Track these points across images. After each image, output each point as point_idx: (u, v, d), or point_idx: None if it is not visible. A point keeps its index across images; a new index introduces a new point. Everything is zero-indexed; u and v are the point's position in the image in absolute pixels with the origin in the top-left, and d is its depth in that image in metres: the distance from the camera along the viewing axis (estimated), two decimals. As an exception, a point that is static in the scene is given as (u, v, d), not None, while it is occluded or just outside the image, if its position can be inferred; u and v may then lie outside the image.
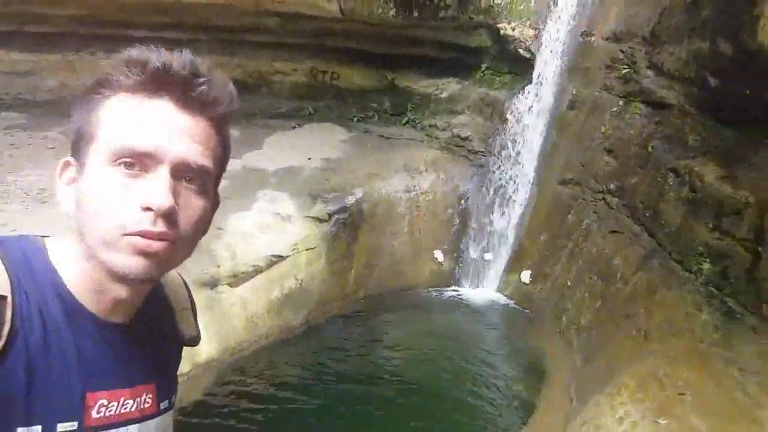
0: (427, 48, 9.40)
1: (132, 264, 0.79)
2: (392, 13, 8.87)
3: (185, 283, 1.10)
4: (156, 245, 0.79)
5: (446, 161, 8.16)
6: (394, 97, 9.73)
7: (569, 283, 5.92)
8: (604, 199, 6.44)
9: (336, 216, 6.35)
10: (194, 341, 1.08)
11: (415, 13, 8.86)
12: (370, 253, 6.65)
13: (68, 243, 0.86)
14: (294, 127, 9.28)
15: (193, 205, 0.83)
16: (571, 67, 7.60)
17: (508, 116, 7.95)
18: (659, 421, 3.13)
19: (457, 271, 7.10)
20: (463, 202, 7.65)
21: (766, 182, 4.35)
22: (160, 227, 0.79)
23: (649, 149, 5.95)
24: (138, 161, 0.79)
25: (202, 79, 0.82)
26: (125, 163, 0.79)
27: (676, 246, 4.95)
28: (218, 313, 4.71)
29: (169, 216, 0.79)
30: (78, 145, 0.84)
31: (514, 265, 6.88)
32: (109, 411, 0.86)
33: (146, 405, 0.92)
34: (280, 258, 5.40)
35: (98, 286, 0.83)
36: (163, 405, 0.96)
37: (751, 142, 4.96)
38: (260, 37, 9.73)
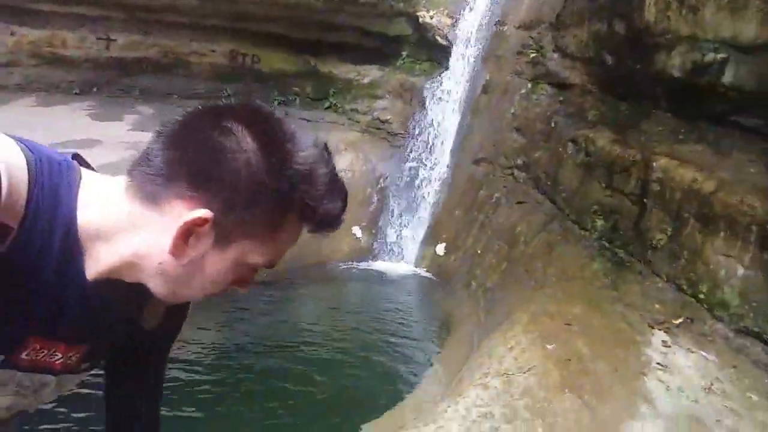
0: (349, 35, 9.47)
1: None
2: (313, -3, 8.89)
3: None
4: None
5: (365, 142, 8.25)
6: (316, 82, 9.73)
7: (479, 251, 6.11)
8: (512, 174, 6.71)
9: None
10: (150, 335, 1.05)
11: (336, -1, 8.90)
12: (285, 227, 6.57)
13: (107, 188, 0.83)
14: (212, 108, 9.06)
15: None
16: (486, 54, 7.90)
17: (426, 101, 8.14)
18: (547, 346, 3.27)
19: (375, 246, 7.15)
20: (381, 181, 7.74)
21: (651, 144, 4.69)
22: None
23: (552, 125, 6.27)
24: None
25: (341, 220, 0.86)
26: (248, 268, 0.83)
27: (573, 208, 5.22)
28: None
29: None
30: (232, 223, 0.79)
31: (430, 240, 7.02)
32: (37, 356, 0.85)
33: (70, 362, 0.91)
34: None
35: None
36: (84, 366, 0.95)
37: (642, 113, 5.35)
38: (178, 18, 9.46)
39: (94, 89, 9.30)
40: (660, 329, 3.54)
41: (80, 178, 0.82)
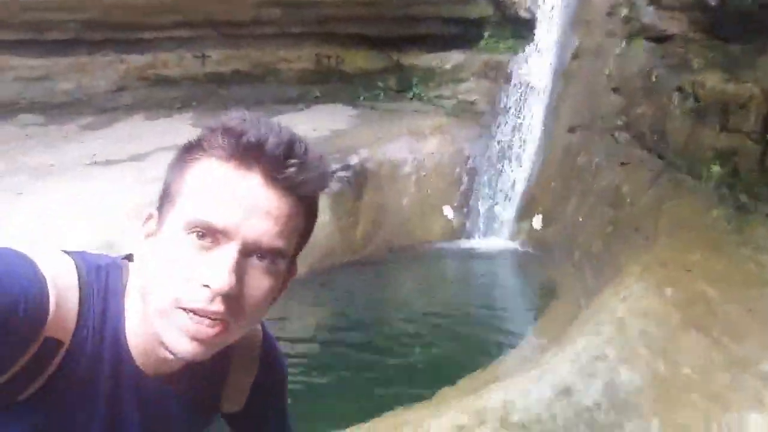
0: (429, 25, 9.38)
1: (180, 345, 0.75)
2: (390, -13, 8.90)
3: (266, 336, 0.99)
4: (207, 331, 0.74)
5: (452, 126, 8.09)
6: (400, 75, 9.73)
7: (580, 219, 5.74)
8: (612, 136, 6.27)
9: (339, 173, 6.32)
10: (234, 419, 0.98)
11: (414, -14, 8.86)
12: (377, 211, 6.58)
13: None
14: (301, 109, 9.36)
15: (259, 283, 0.77)
16: (573, 21, 7.51)
17: (512, 76, 7.87)
18: (665, 291, 2.96)
19: (467, 225, 6.96)
20: (470, 161, 7.54)
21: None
22: (217, 306, 0.74)
23: (653, 79, 5.79)
24: (210, 234, 0.75)
25: (293, 161, 0.77)
26: (198, 233, 0.75)
27: (685, 159, 4.76)
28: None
29: (229, 296, 0.74)
30: (162, 202, 0.81)
31: (525, 214, 6.72)
32: None
33: None
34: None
35: (149, 345, 0.80)
36: None
37: (756, 50, 4.78)
38: (264, 30, 9.88)
39: (194, 103, 9.91)
40: (799, 270, 3.09)
41: (128, 276, 0.82)
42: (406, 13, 9.18)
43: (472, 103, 8.39)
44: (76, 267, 0.77)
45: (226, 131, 0.78)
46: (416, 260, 6.13)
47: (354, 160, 6.66)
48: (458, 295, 5.16)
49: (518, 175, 7.15)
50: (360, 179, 6.59)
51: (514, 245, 6.46)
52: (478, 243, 6.65)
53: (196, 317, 0.73)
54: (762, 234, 3.49)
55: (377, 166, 6.83)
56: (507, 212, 6.91)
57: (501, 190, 7.20)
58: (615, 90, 6.49)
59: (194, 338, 0.73)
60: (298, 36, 9.91)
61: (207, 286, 0.73)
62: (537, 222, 6.43)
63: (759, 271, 3.10)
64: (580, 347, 2.61)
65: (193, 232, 0.75)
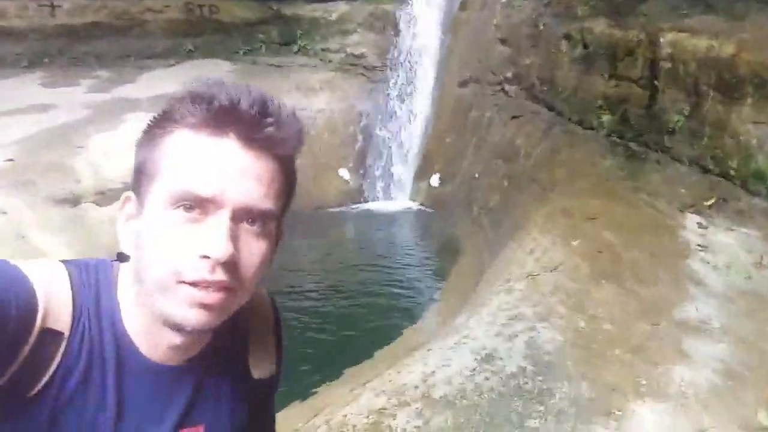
0: (311, -29, 8.80)
1: (189, 316, 0.74)
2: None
3: (273, 303, 0.98)
4: (213, 296, 0.73)
5: (342, 80, 7.71)
6: (282, 26, 9.09)
7: (476, 175, 5.70)
8: (502, 89, 6.25)
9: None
10: (269, 382, 0.96)
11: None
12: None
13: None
14: (173, 65, 8.47)
15: (254, 248, 0.77)
16: (459, -28, 7.34)
17: (401, 27, 7.60)
18: (571, 242, 2.89)
19: (364, 187, 6.72)
20: (363, 118, 7.25)
21: (654, 23, 4.23)
22: (219, 276, 0.73)
23: (541, 27, 5.78)
24: (198, 205, 0.73)
25: (269, 119, 0.75)
26: (185, 206, 0.73)
27: (575, 108, 4.80)
28: (82, 233, 4.05)
29: (228, 264, 0.73)
30: (139, 181, 0.78)
31: (423, 173, 6.60)
32: None
33: None
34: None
35: (152, 330, 0.79)
36: None
37: (638, -1, 4.87)
38: (125, -25, 8.75)
39: (45, 60, 8.61)
40: (691, 212, 3.17)
41: (118, 273, 0.83)
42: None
43: (361, 56, 8.04)
44: (65, 266, 0.79)
45: (195, 98, 0.76)
46: (313, 227, 5.79)
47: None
48: (360, 258, 4.92)
49: (413, 132, 6.99)
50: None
51: (413, 206, 6.33)
52: (377, 205, 6.45)
53: (200, 290, 0.73)
54: (656, 180, 3.57)
55: (263, 126, 6.33)
56: (404, 172, 6.76)
57: (396, 149, 7.01)
58: (503, 41, 6.44)
59: (201, 305, 0.74)
60: (164, -16, 8.90)
61: (206, 256, 0.72)
62: (435, 180, 6.33)
63: (657, 215, 3.15)
64: (495, 307, 2.47)
65: (180, 206, 0.73)
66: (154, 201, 0.75)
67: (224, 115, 0.74)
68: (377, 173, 6.86)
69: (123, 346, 0.79)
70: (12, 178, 4.15)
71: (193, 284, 0.72)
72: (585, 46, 4.74)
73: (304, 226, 5.73)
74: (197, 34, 9.00)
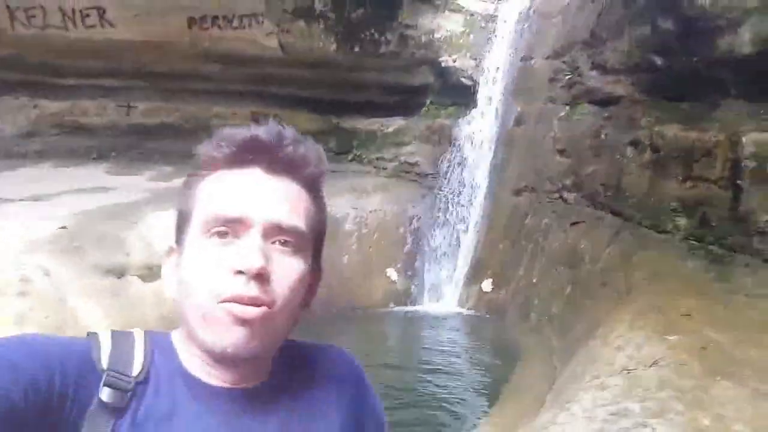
0: (372, 92, 9.19)
1: (229, 337, 0.76)
2: (333, 47, 8.74)
3: (356, 363, 1.01)
4: (251, 312, 0.75)
5: (394, 186, 7.76)
6: (340, 137, 9.41)
7: (534, 281, 5.37)
8: (560, 196, 6.09)
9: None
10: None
11: (356, 48, 8.75)
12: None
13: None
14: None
15: (287, 266, 0.80)
16: (515, 89, 7.58)
17: (456, 140, 7.76)
18: (667, 337, 2.51)
19: (412, 289, 6.43)
20: (414, 221, 7.15)
21: (731, 124, 4.08)
22: (253, 290, 0.76)
23: (603, 137, 5.72)
24: (229, 229, 0.78)
25: (286, 141, 0.82)
26: (218, 233, 0.78)
27: (646, 212, 4.55)
28: (123, 304, 3.85)
29: (261, 277, 0.76)
30: (179, 229, 0.84)
31: (474, 278, 6.31)
32: None
33: None
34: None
35: (206, 368, 0.81)
36: None
37: (709, 106, 4.78)
38: (200, 84, 9.38)
39: (113, 153, 9.06)
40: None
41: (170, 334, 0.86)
42: (348, 79, 8.98)
43: (414, 164, 8.15)
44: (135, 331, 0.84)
45: (218, 141, 0.82)
46: (357, 326, 5.46)
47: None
48: (414, 359, 4.52)
49: (465, 238, 6.81)
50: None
51: (462, 310, 5.97)
52: (425, 308, 6.12)
53: (238, 306, 0.75)
54: (750, 283, 3.20)
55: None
56: (455, 276, 6.48)
57: (446, 254, 6.80)
58: (561, 152, 6.40)
59: (241, 321, 0.75)
60: (235, 93, 9.49)
61: (240, 272, 0.75)
62: (487, 285, 6.01)
63: (762, 316, 2.74)
64: (589, 402, 2.07)
65: (214, 234, 0.78)
66: (190, 237, 0.80)
67: (246, 150, 0.80)
68: (426, 276, 6.61)
69: (191, 381, 0.81)
70: (62, 243, 4.10)
71: (231, 300, 0.74)
72: (655, 150, 4.59)
73: (346, 324, 5.42)
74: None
